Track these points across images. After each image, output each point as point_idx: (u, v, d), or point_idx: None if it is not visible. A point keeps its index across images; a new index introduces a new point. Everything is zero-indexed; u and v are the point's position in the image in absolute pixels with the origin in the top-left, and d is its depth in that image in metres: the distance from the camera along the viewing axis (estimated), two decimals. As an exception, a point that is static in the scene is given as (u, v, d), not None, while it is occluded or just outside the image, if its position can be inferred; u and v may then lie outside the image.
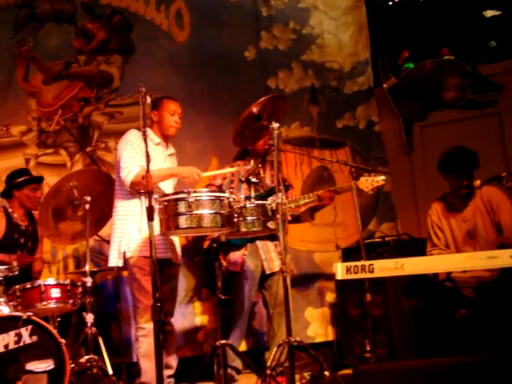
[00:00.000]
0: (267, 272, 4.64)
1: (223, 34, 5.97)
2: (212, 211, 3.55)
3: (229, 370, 4.41)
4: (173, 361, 4.27)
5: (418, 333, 4.41)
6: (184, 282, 5.32)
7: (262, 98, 3.96)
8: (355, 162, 5.92)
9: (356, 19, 6.46)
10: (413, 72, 6.46)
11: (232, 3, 6.08)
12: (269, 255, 4.65)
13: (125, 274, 4.53)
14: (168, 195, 3.66)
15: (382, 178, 4.51)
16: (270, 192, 4.45)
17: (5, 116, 5.45)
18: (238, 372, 4.51)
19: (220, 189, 4.63)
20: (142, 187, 3.94)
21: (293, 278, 4.77)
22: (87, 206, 4.22)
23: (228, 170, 4.62)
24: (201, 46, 5.90)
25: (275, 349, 3.80)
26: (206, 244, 4.72)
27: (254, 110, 3.97)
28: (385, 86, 6.52)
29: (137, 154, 4.06)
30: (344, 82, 6.30)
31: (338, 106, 6.25)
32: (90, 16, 5.78)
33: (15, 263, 4.06)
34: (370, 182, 4.48)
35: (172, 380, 4.23)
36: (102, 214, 4.49)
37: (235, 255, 4.65)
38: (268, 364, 3.93)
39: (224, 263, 4.69)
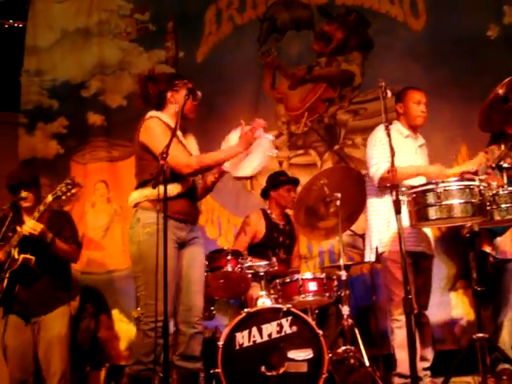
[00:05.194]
0: None
1: (461, 15, 5.71)
2: (462, 200, 3.45)
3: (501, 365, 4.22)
4: (428, 353, 4.21)
5: None
6: (440, 274, 5.20)
7: (508, 79, 3.77)
8: None
9: None
10: None
11: (469, -19, 5.83)
12: None
13: (379, 266, 4.60)
14: (416, 187, 3.60)
15: None
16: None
17: (257, 124, 5.88)
18: None
19: (476, 175, 4.43)
20: (391, 182, 3.98)
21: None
22: (338, 203, 4.33)
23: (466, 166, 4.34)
24: (439, 31, 5.73)
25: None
26: (463, 232, 4.55)
27: (500, 91, 3.80)
28: None
29: (386, 150, 4.00)
30: None
31: None
32: (327, 18, 5.99)
33: (274, 259, 4.36)
34: None
35: (428, 373, 4.16)
36: (354, 208, 4.54)
37: (503, 241, 4.40)
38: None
39: (491, 251, 4.48)
